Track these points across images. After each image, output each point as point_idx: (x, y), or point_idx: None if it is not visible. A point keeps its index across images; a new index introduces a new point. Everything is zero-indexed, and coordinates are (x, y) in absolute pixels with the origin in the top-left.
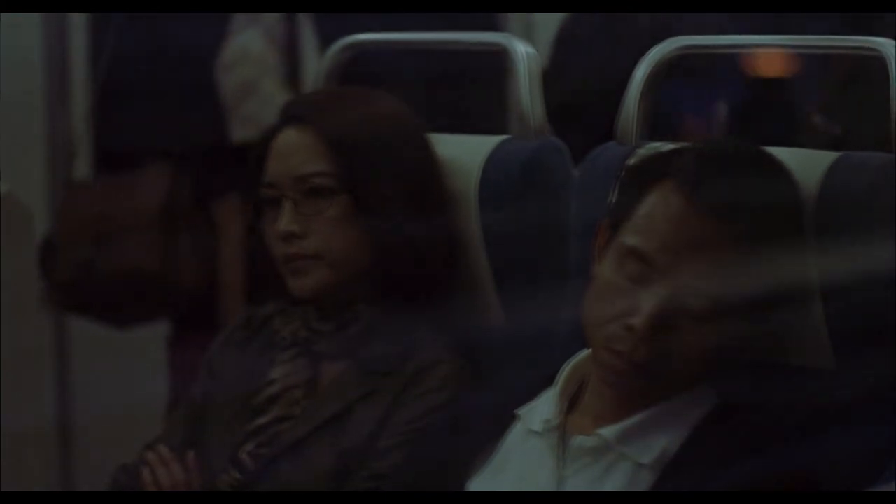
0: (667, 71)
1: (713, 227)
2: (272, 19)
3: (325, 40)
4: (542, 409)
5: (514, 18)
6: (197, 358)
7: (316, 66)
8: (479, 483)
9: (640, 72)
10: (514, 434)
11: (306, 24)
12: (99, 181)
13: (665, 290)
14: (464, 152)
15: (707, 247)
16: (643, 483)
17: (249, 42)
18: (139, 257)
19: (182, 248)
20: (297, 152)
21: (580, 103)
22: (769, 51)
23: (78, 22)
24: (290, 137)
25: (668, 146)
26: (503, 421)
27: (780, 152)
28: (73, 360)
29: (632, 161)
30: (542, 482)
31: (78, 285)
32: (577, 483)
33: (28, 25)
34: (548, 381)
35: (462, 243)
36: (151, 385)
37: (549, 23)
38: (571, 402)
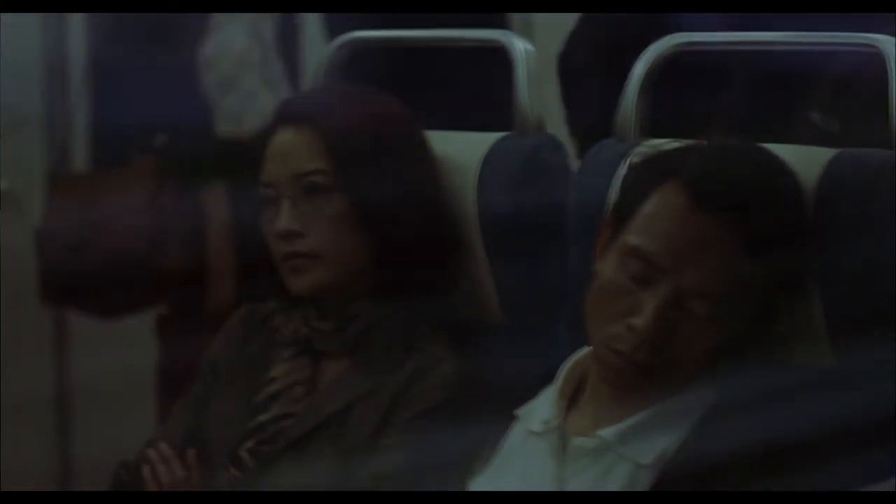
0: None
1: (716, 226)
2: (255, 16)
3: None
4: (541, 410)
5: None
6: (184, 343)
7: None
8: (481, 484)
9: (639, 68)
10: (515, 435)
11: (314, 23)
12: (89, 172)
13: (667, 290)
14: (463, 149)
15: (710, 247)
16: (643, 483)
17: (231, 38)
18: (127, 244)
19: (170, 236)
20: (294, 151)
21: None
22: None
23: (78, 22)
24: (286, 137)
25: (670, 144)
26: (503, 421)
27: (778, 149)
28: (73, 352)
29: (635, 159)
30: (542, 483)
31: (67, 272)
32: (577, 484)
33: (28, 26)
34: (547, 380)
35: (461, 240)
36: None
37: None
38: (570, 401)
